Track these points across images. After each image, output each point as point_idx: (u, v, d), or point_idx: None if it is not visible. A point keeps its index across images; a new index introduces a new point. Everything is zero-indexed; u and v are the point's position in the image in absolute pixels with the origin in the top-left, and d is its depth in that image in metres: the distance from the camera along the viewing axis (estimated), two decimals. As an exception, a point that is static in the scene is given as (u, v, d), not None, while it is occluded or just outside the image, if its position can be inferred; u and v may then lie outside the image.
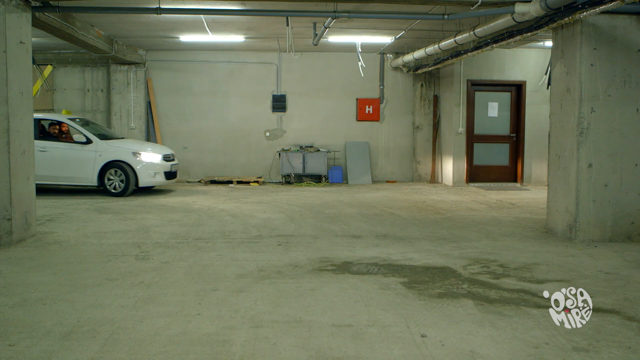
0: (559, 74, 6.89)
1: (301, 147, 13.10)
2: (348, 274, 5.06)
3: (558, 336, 3.57)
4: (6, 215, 6.11)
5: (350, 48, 12.20)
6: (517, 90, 12.68)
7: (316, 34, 9.97)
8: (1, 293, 4.42)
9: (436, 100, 13.38)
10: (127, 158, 10.25)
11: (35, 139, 10.12)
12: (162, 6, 7.69)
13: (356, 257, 5.71)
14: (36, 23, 7.69)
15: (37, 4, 7.11)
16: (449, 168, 12.71)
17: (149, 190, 11.18)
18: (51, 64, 13.05)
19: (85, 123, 10.96)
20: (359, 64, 12.12)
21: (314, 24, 9.70)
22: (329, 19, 8.34)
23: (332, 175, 13.07)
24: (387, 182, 13.43)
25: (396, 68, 13.39)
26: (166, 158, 10.75)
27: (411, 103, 13.61)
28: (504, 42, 8.39)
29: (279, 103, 13.37)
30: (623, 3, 5.45)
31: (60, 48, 12.38)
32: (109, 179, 10.25)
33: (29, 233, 6.53)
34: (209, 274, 5.02)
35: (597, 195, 6.51)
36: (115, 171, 10.22)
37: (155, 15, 7.99)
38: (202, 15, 8.96)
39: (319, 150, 12.95)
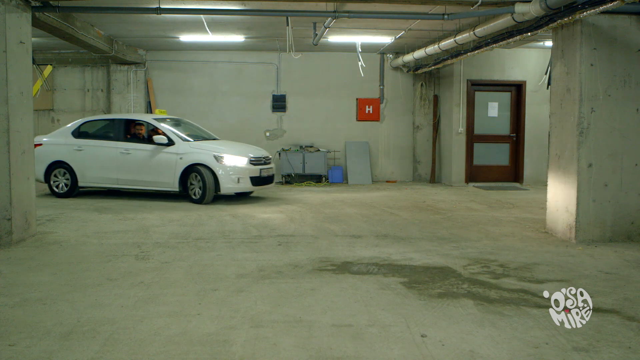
0: (559, 74, 6.89)
1: (301, 147, 13.09)
2: (348, 274, 5.06)
3: (558, 336, 3.57)
4: (6, 215, 6.11)
5: (350, 48, 12.20)
6: (517, 90, 12.67)
7: (316, 34, 9.97)
8: (1, 293, 4.42)
9: (436, 100, 13.38)
10: (207, 161, 9.24)
11: (122, 140, 9.79)
12: (162, 6, 7.69)
13: (356, 257, 5.71)
14: (36, 23, 7.68)
15: (37, 4, 7.10)
16: (449, 168, 12.70)
17: (239, 198, 10.15)
18: (51, 64, 13.04)
19: (176, 123, 10.38)
20: (359, 63, 12.11)
21: (314, 24, 9.70)
22: (329, 19, 8.35)
23: (332, 175, 13.07)
24: (387, 182, 13.43)
25: (396, 68, 13.39)
26: (255, 161, 9.57)
27: (411, 103, 13.61)
28: (504, 42, 8.39)
29: (279, 103, 13.37)
30: (623, 3, 5.45)
31: (60, 48, 12.38)
32: (191, 184, 9.41)
33: (29, 233, 6.52)
34: (209, 273, 5.02)
35: (597, 195, 6.50)
36: (196, 175, 9.34)
37: (155, 15, 7.99)
38: (202, 15, 8.96)
39: (319, 150, 12.95)
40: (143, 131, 9.93)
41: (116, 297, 4.31)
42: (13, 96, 6.17)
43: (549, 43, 11.00)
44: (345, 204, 9.52)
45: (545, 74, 11.98)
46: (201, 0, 8.09)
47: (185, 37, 11.26)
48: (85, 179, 9.95)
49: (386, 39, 11.32)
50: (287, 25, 9.22)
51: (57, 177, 10.05)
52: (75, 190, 10.01)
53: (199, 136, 10.32)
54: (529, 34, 7.46)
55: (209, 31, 10.11)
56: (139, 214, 8.31)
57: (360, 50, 11.93)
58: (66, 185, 9.98)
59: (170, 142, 9.50)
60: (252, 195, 10.52)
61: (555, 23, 6.59)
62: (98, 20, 9.77)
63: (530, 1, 6.68)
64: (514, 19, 7.14)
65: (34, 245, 6.18)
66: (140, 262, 5.43)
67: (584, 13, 5.99)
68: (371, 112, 13.50)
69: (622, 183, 6.55)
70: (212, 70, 13.33)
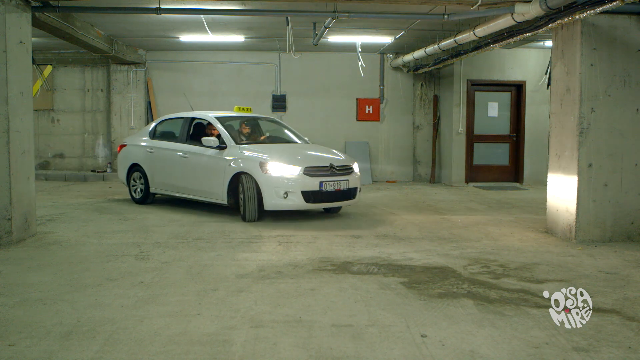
0: (559, 74, 6.89)
1: (301, 147, 13.05)
2: (348, 273, 5.06)
3: (558, 336, 3.57)
4: (6, 215, 6.10)
5: (350, 48, 12.20)
6: (517, 90, 12.68)
7: (316, 34, 9.97)
8: (1, 293, 4.42)
9: (436, 100, 13.38)
10: (251, 169, 7.47)
11: (183, 142, 8.55)
12: (162, 6, 7.69)
13: (356, 257, 5.71)
14: (36, 23, 7.69)
15: (37, 4, 7.10)
16: (449, 168, 12.70)
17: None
18: (51, 64, 13.05)
19: (254, 123, 8.93)
20: (359, 63, 12.12)
21: (314, 23, 9.70)
22: (329, 18, 8.35)
23: (332, 175, 13.04)
24: (387, 182, 13.43)
25: (396, 68, 13.39)
26: (312, 171, 7.47)
27: (411, 103, 13.61)
28: (504, 42, 8.40)
29: (279, 103, 13.37)
30: (623, 3, 5.44)
31: (60, 48, 12.39)
32: (241, 197, 7.67)
33: (29, 233, 6.52)
34: (209, 274, 5.02)
35: (597, 195, 6.50)
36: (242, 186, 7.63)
37: (155, 15, 7.99)
38: (202, 15, 8.96)
39: (319, 150, 12.92)
40: (216, 131, 8.37)
41: (116, 297, 4.31)
42: (13, 96, 6.17)
43: (549, 43, 11.00)
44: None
45: (545, 74, 11.98)
46: (201, 0, 8.09)
47: (185, 37, 11.26)
48: (154, 185, 8.94)
49: (386, 39, 11.32)
50: (287, 25, 9.23)
51: (135, 181, 9.29)
52: (149, 197, 9.09)
53: (281, 139, 8.89)
54: (529, 34, 7.46)
55: (209, 31, 10.11)
56: (139, 214, 8.30)
57: (360, 50, 11.93)
58: (141, 190, 9.16)
59: (222, 145, 7.93)
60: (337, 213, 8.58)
61: (555, 23, 6.59)
62: (98, 20, 9.78)
63: (530, 1, 6.69)
64: (514, 19, 7.14)
65: (34, 245, 6.18)
66: (140, 262, 5.43)
67: (584, 13, 5.99)
68: (371, 112, 13.50)
69: (622, 183, 6.55)
70: (212, 70, 13.33)
